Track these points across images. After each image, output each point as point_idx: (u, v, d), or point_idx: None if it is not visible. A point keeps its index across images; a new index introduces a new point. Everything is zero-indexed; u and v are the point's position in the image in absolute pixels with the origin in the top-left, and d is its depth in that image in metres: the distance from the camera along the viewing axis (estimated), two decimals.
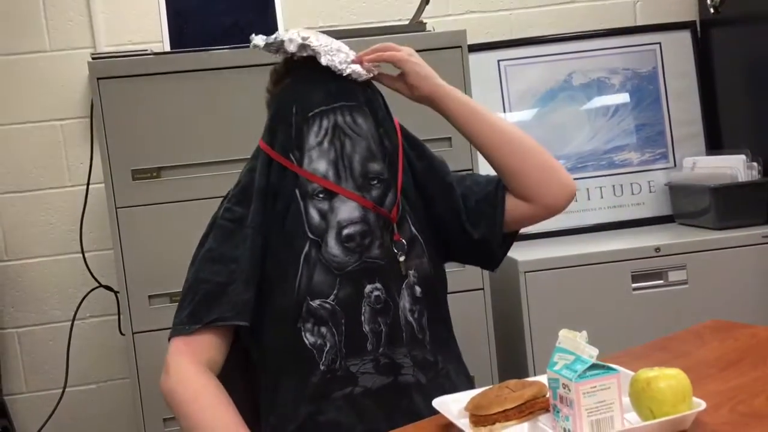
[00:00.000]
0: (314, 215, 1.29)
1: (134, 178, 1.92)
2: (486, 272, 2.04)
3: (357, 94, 1.32)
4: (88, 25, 2.39)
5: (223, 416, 1.22)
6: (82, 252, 2.31)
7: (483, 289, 2.05)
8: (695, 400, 1.01)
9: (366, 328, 1.27)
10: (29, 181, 2.41)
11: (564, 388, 0.98)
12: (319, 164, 1.29)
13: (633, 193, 2.53)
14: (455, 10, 2.54)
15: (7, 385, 2.42)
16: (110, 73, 1.90)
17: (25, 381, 2.45)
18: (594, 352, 0.99)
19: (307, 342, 1.27)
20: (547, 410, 1.06)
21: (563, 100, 2.53)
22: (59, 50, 2.39)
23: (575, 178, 2.44)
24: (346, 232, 1.27)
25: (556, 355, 1.02)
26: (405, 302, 1.30)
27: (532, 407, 1.06)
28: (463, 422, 1.07)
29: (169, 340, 1.30)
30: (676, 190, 2.47)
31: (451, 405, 1.12)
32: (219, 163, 1.93)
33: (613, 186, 2.52)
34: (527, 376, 1.97)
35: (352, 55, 1.32)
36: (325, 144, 1.29)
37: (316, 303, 1.27)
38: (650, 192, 2.53)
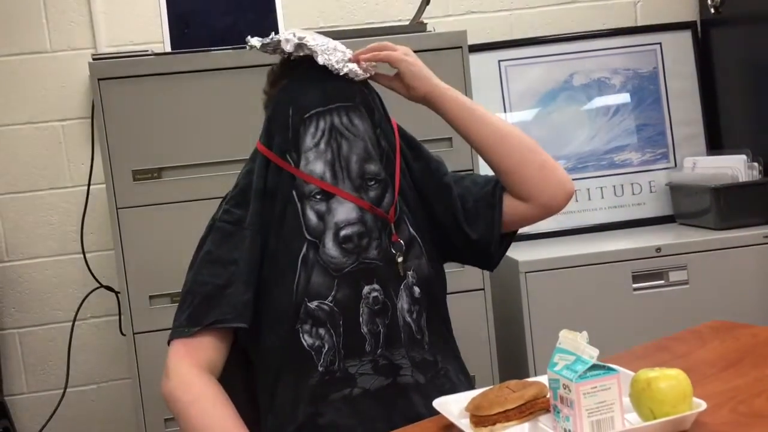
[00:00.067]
0: (311, 217, 1.29)
1: (135, 179, 1.92)
2: (486, 272, 2.04)
3: (354, 95, 1.32)
4: (88, 26, 2.39)
5: (222, 418, 1.22)
6: (83, 252, 2.31)
7: (483, 289, 2.05)
8: (696, 400, 1.01)
9: (364, 329, 1.27)
10: (30, 181, 2.41)
11: (564, 388, 0.98)
12: (315, 165, 1.29)
13: (634, 194, 2.53)
14: (456, 10, 2.54)
15: (8, 386, 2.42)
16: (111, 73, 1.90)
17: (26, 381, 2.45)
18: (594, 352, 0.99)
19: (305, 343, 1.27)
20: (547, 411, 1.06)
21: (564, 101, 2.53)
22: (60, 51, 2.40)
23: (576, 179, 2.47)
24: (343, 233, 1.27)
25: (556, 356, 1.02)
26: (403, 303, 1.30)
27: (533, 407, 1.06)
28: (464, 422, 1.07)
29: (168, 342, 1.30)
30: (676, 191, 2.47)
31: (452, 405, 1.12)
32: (220, 164, 1.93)
33: (614, 186, 2.52)
34: (528, 376, 1.97)
35: (349, 54, 1.32)
36: (322, 145, 1.29)
37: (314, 304, 1.27)
38: (651, 192, 2.53)
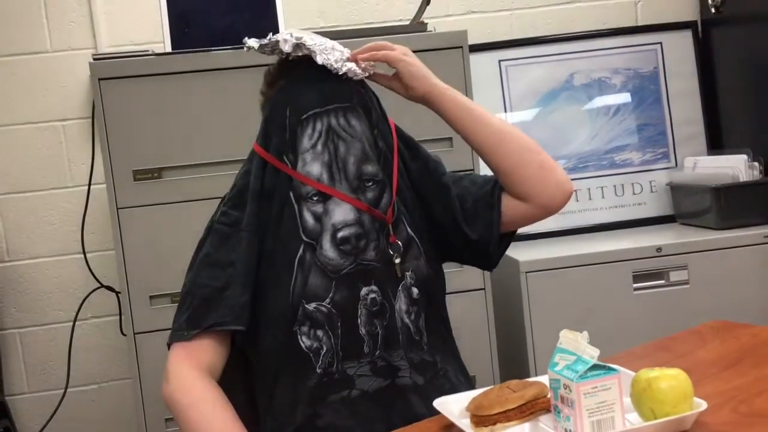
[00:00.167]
0: (309, 218, 1.28)
1: (135, 179, 1.92)
2: (487, 272, 2.04)
3: (351, 96, 1.32)
4: (89, 26, 2.40)
5: (222, 420, 1.22)
6: (84, 252, 2.31)
7: (484, 289, 2.05)
8: (696, 400, 1.01)
9: (362, 330, 1.27)
10: (31, 181, 2.41)
11: (565, 388, 0.98)
12: (312, 167, 1.29)
13: (634, 193, 2.52)
14: (456, 10, 2.54)
15: (8, 386, 2.42)
16: (112, 73, 1.91)
17: (27, 381, 2.45)
18: (595, 352, 0.99)
19: (303, 345, 1.26)
20: (548, 410, 1.06)
21: (564, 100, 2.53)
22: (61, 51, 2.40)
23: (576, 178, 2.48)
24: (340, 234, 1.26)
25: (557, 356, 1.02)
26: (401, 304, 1.30)
27: (533, 407, 1.06)
28: (465, 422, 1.07)
29: (168, 345, 1.30)
30: (677, 190, 2.47)
31: (452, 405, 1.12)
32: (220, 164, 1.93)
33: (615, 186, 2.52)
34: (528, 376, 1.97)
35: (347, 53, 1.32)
36: (319, 146, 1.29)
37: (311, 306, 1.26)
38: (651, 192, 2.53)
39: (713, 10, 2.38)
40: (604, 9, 2.61)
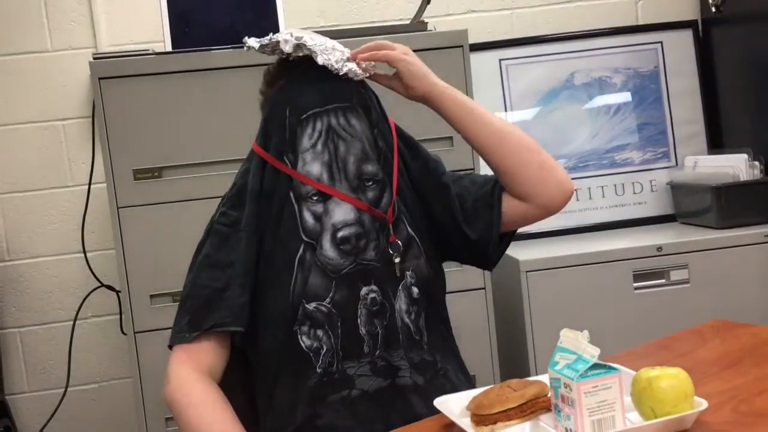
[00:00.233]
0: (308, 218, 1.28)
1: (136, 178, 1.92)
2: (487, 272, 2.04)
3: (351, 95, 1.32)
4: (89, 25, 2.40)
5: (222, 422, 1.22)
6: (84, 252, 2.31)
7: (484, 288, 2.05)
8: (697, 399, 1.01)
9: (362, 330, 1.26)
10: (31, 180, 2.41)
11: (565, 387, 0.98)
12: (312, 167, 1.28)
13: (635, 193, 2.52)
14: (456, 9, 2.54)
15: (9, 385, 2.42)
16: (112, 73, 1.90)
17: (27, 380, 2.45)
18: (595, 351, 0.99)
19: (303, 345, 1.26)
20: (548, 410, 1.06)
21: (565, 100, 2.53)
22: (61, 50, 2.40)
23: (577, 178, 2.47)
24: (341, 234, 1.26)
25: (557, 355, 1.02)
26: (401, 304, 1.30)
27: (534, 407, 1.06)
28: (465, 422, 1.07)
29: (170, 347, 1.30)
30: (677, 190, 2.47)
31: (453, 404, 1.12)
32: (220, 163, 1.93)
33: (615, 185, 2.52)
34: (529, 375, 1.96)
35: (347, 53, 1.32)
36: (319, 146, 1.29)
37: (312, 306, 1.26)
38: (652, 191, 2.53)
39: (714, 10, 2.38)
40: (605, 8, 2.61)
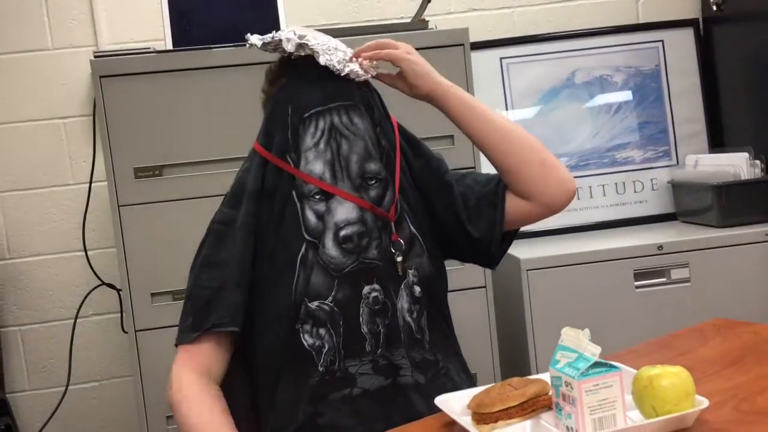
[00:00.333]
0: (311, 217, 1.28)
1: (137, 176, 1.92)
2: (488, 270, 2.04)
3: (353, 94, 1.31)
4: (90, 24, 2.39)
5: (221, 424, 1.22)
6: (85, 250, 2.32)
7: (485, 287, 2.05)
8: (698, 398, 1.01)
9: (364, 329, 1.26)
10: (32, 179, 2.41)
11: (567, 385, 0.98)
12: (315, 165, 1.28)
13: (635, 191, 2.52)
14: (457, 7, 2.54)
15: (9, 383, 2.42)
16: (113, 71, 1.90)
17: (28, 379, 2.45)
18: (596, 350, 0.99)
19: (305, 343, 1.26)
20: (549, 408, 1.06)
21: (566, 98, 2.52)
22: (62, 48, 2.40)
23: (578, 176, 2.47)
24: (343, 233, 1.26)
25: (558, 353, 1.02)
26: (403, 303, 1.30)
27: (535, 405, 1.06)
28: (466, 420, 1.07)
29: (176, 346, 1.31)
30: (678, 188, 2.46)
31: (454, 403, 1.12)
32: (221, 161, 1.93)
33: (616, 184, 2.52)
34: (529, 374, 1.96)
35: (350, 53, 1.31)
36: (322, 145, 1.29)
37: (314, 305, 1.26)
38: (653, 190, 2.53)
39: (715, 8, 2.38)
40: (606, 7, 2.60)
